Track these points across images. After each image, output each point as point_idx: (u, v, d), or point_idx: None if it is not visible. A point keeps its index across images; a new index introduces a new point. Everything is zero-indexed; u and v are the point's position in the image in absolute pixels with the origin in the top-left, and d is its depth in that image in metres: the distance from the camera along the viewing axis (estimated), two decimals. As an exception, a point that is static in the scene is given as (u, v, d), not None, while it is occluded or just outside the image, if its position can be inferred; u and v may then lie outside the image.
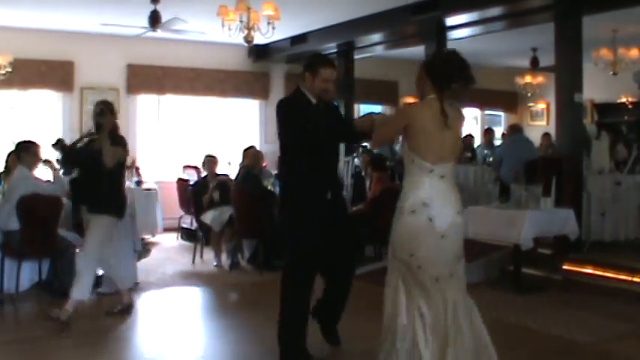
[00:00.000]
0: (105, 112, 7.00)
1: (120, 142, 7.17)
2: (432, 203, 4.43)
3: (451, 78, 4.53)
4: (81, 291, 6.80)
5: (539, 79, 15.96)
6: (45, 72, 13.03)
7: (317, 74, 5.48)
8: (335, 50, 13.58)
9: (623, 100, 15.46)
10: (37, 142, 8.25)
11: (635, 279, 8.03)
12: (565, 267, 8.74)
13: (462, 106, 5.26)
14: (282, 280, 5.55)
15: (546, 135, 14.18)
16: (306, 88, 5.56)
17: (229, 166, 12.57)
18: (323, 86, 5.50)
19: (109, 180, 6.93)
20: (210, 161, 10.98)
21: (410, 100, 16.55)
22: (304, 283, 5.45)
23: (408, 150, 4.52)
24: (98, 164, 6.78)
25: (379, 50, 13.50)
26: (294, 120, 5.46)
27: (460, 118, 4.66)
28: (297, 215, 5.50)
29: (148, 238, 11.92)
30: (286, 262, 5.63)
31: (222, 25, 9.56)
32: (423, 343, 4.36)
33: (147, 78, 14.08)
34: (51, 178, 8.25)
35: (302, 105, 5.54)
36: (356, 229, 6.06)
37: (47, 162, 8.33)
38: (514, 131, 11.99)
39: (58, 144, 7.33)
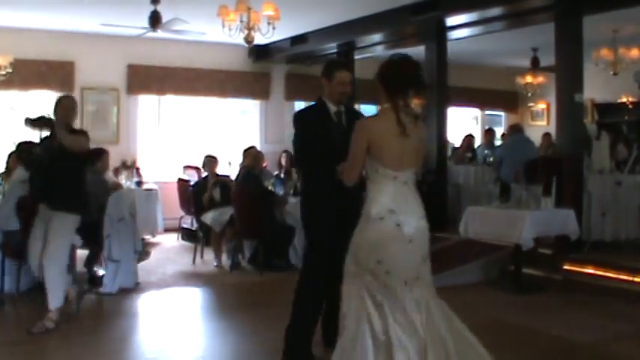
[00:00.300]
0: (55, 108, 6.87)
1: (80, 132, 7.04)
2: (398, 209, 4.46)
3: (402, 86, 4.52)
4: (58, 299, 6.64)
5: (540, 79, 15.94)
6: (45, 72, 13.04)
7: (332, 78, 5.51)
8: (335, 50, 13.58)
9: (624, 100, 15.46)
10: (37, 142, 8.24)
11: (636, 279, 8.03)
12: (565, 267, 8.74)
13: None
14: (298, 284, 5.63)
15: (547, 135, 14.18)
16: (326, 96, 5.60)
17: (230, 167, 12.57)
18: (340, 89, 5.51)
19: (73, 176, 6.83)
20: (211, 161, 10.98)
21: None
22: (319, 286, 5.52)
23: (371, 159, 4.52)
24: (61, 161, 6.64)
25: (379, 50, 13.49)
26: (308, 129, 5.52)
27: (418, 124, 4.60)
28: (314, 221, 5.60)
29: (149, 238, 11.92)
30: (304, 268, 5.73)
31: (223, 26, 9.55)
32: (399, 349, 4.31)
33: (147, 78, 14.08)
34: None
35: (318, 113, 5.60)
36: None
37: None
38: (514, 131, 11.99)
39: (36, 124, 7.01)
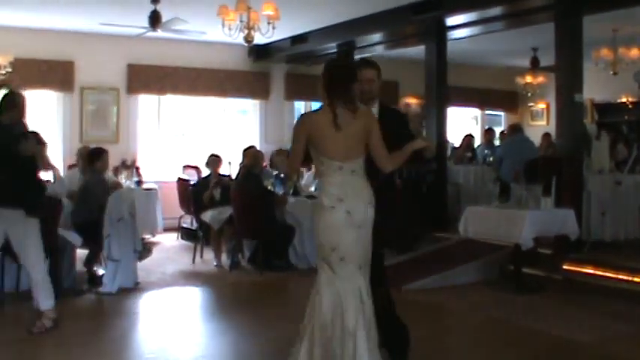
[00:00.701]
0: (6, 105, 6.72)
1: (31, 134, 6.73)
2: (346, 198, 4.67)
3: (337, 85, 4.76)
4: (49, 299, 6.63)
5: (540, 78, 15.94)
6: (45, 72, 13.03)
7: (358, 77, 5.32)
8: (335, 50, 13.58)
9: (624, 99, 15.47)
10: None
11: (636, 279, 8.03)
12: (565, 267, 8.74)
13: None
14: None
15: (547, 135, 14.18)
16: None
17: (230, 166, 12.56)
18: (361, 88, 5.27)
19: (28, 177, 6.70)
20: (215, 161, 10.97)
21: (411, 100, 16.59)
22: None
23: (316, 153, 4.77)
24: (20, 164, 6.46)
25: (379, 50, 13.49)
26: None
27: (358, 115, 4.76)
28: None
29: (149, 237, 11.91)
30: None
31: (223, 25, 9.55)
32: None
33: (147, 78, 14.08)
34: (51, 179, 8.26)
35: None
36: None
37: (50, 165, 8.35)
38: (514, 131, 11.99)
39: None
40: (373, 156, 4.83)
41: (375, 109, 5.38)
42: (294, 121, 5.27)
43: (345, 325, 4.56)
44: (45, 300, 6.59)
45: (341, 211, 4.66)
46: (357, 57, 13.64)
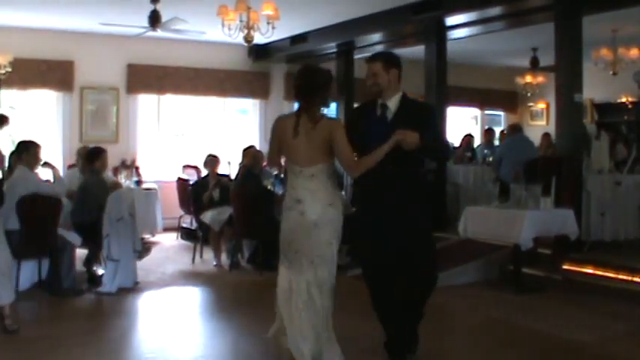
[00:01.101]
0: None
1: None
2: (304, 200, 5.09)
3: (298, 93, 5.23)
4: (7, 294, 6.62)
5: (540, 78, 15.95)
6: (45, 72, 13.04)
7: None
8: (335, 50, 13.59)
9: (623, 99, 15.48)
10: (38, 142, 8.25)
11: (636, 279, 8.04)
12: (565, 267, 8.74)
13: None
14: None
15: (547, 135, 14.17)
16: None
17: (229, 166, 12.57)
18: (368, 82, 5.39)
19: None
20: (213, 161, 10.96)
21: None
22: (378, 300, 5.61)
23: (285, 156, 5.27)
24: None
25: (379, 50, 13.48)
26: (353, 128, 5.37)
27: (318, 126, 5.06)
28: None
29: (148, 237, 11.92)
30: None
31: (222, 25, 9.55)
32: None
33: (147, 78, 14.08)
34: (51, 178, 8.26)
35: (364, 110, 5.63)
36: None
37: (46, 164, 8.36)
38: (514, 131, 11.98)
39: None
40: (339, 162, 5.14)
41: (393, 102, 5.34)
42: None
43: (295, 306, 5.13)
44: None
45: (296, 211, 5.10)
46: (356, 57, 13.67)
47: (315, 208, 5.06)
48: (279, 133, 5.21)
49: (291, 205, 5.15)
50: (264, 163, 11.48)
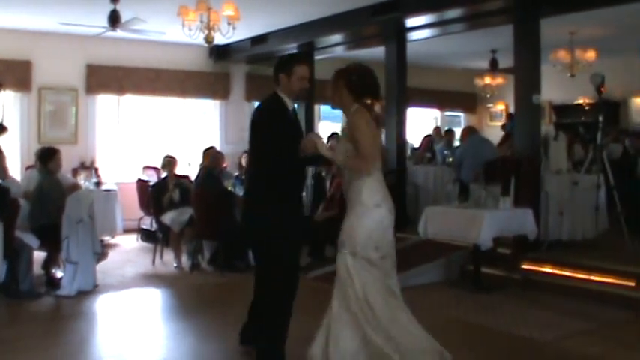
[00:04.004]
0: None
1: None
2: (387, 198, 5.04)
3: (367, 91, 5.14)
4: None
5: (499, 80, 16.13)
6: (2, 71, 12.83)
7: (292, 73, 5.34)
8: (295, 51, 13.59)
9: (581, 101, 15.68)
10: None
11: (592, 277, 8.15)
12: (524, 266, 8.84)
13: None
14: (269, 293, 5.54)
15: (507, 135, 14.30)
16: (283, 91, 5.38)
17: (189, 167, 12.52)
18: (299, 85, 5.37)
19: None
20: (170, 162, 10.89)
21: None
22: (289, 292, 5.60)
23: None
24: None
25: (340, 51, 13.52)
26: (276, 126, 5.30)
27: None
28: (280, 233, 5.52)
29: (108, 239, 11.84)
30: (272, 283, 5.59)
31: (183, 26, 9.52)
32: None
33: (106, 78, 13.95)
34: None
35: (280, 110, 5.39)
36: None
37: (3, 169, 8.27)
38: (471, 133, 12.06)
39: None
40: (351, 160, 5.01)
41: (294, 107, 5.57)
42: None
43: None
44: None
45: (385, 209, 4.99)
46: (317, 58, 13.69)
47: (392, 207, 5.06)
48: (372, 129, 5.04)
49: (379, 203, 4.97)
50: (225, 164, 11.49)
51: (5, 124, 9.49)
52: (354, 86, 4.99)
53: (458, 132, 14.68)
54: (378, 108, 5.04)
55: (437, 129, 15.97)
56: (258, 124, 5.38)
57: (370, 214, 4.88)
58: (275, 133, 5.25)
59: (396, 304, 4.98)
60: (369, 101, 5.04)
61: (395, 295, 5.03)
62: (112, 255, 10.34)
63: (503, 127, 14.99)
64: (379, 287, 4.91)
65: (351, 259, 4.89)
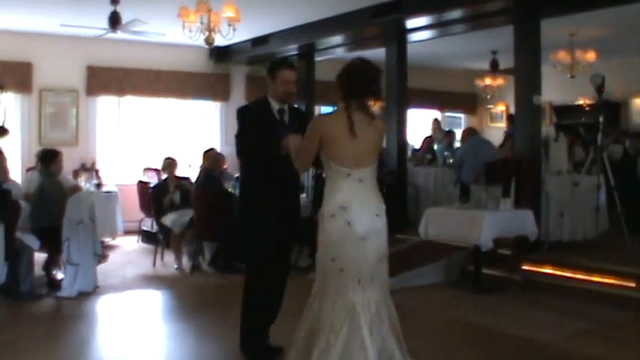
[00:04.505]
0: None
1: None
2: (350, 207, 4.51)
3: (358, 88, 4.61)
4: None
5: (499, 81, 16.13)
6: (2, 73, 12.82)
7: (276, 77, 5.55)
8: (296, 52, 13.60)
9: (581, 102, 15.67)
10: None
11: (593, 278, 8.15)
12: (524, 267, 8.84)
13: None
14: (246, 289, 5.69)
15: (509, 136, 14.30)
16: (270, 94, 5.63)
17: (190, 169, 12.52)
18: (283, 88, 5.54)
19: None
20: (170, 164, 10.90)
21: (372, 101, 16.60)
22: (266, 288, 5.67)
23: (325, 157, 4.61)
24: None
25: (340, 52, 13.53)
26: (251, 124, 5.58)
27: (373, 125, 4.67)
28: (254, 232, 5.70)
29: (109, 241, 11.84)
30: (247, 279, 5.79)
31: (183, 27, 9.52)
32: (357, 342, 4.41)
33: (107, 79, 13.96)
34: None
35: (261, 110, 5.62)
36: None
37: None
38: (472, 134, 12.07)
39: None
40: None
41: (285, 108, 5.63)
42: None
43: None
44: None
45: (341, 220, 4.52)
46: (317, 59, 13.70)
47: (363, 219, 4.52)
48: (326, 133, 4.56)
49: (334, 213, 4.52)
50: (225, 166, 11.49)
51: (6, 126, 9.50)
52: (340, 83, 4.68)
53: (458, 133, 14.70)
54: (376, 109, 4.90)
55: (436, 121, 15.92)
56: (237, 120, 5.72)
57: (325, 223, 4.56)
58: (242, 131, 5.61)
59: (346, 330, 4.45)
60: (361, 100, 4.62)
61: (353, 314, 4.47)
62: (113, 256, 10.35)
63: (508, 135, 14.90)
64: (330, 302, 4.52)
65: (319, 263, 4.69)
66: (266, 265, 5.58)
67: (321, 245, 4.59)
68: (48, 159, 8.74)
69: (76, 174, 12.58)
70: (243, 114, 5.72)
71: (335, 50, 13.43)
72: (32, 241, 8.22)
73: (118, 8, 10.26)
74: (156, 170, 13.02)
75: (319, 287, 4.62)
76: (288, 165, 5.02)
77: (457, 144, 14.49)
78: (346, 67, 4.69)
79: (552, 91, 13.63)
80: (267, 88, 5.66)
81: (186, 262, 10.18)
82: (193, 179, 10.92)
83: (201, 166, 10.75)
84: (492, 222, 8.17)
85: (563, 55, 13.35)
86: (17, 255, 7.90)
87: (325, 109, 15.83)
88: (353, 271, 4.49)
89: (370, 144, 4.66)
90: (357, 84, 4.60)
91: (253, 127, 5.50)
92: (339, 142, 4.55)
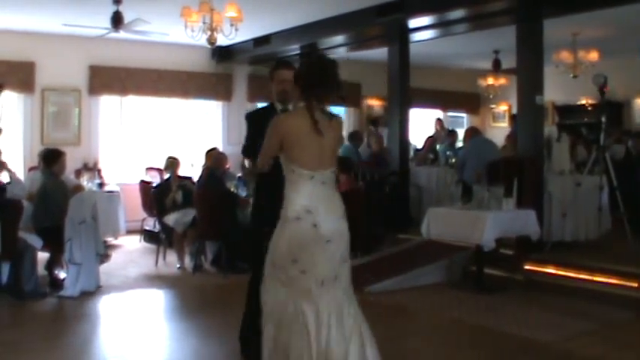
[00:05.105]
0: None
1: None
2: (315, 210, 4.44)
3: (317, 85, 4.50)
4: None
5: (501, 81, 16.12)
6: (5, 73, 12.83)
7: (273, 78, 5.61)
8: (298, 52, 13.59)
9: (583, 102, 15.67)
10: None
11: (595, 278, 8.15)
12: (527, 267, 8.84)
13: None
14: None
15: (510, 136, 14.30)
16: (273, 96, 5.67)
17: (192, 168, 12.52)
18: (279, 88, 5.55)
19: None
20: (173, 163, 10.90)
21: (374, 101, 16.67)
22: None
23: (286, 160, 4.51)
24: None
25: (343, 52, 13.52)
26: (257, 129, 5.50)
27: (332, 124, 4.58)
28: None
29: (111, 240, 11.84)
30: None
31: (185, 27, 9.53)
32: (307, 343, 4.37)
33: (109, 79, 13.96)
34: (7, 180, 8.16)
35: (266, 114, 5.43)
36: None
37: (2, 164, 8.26)
38: (474, 133, 12.08)
39: None
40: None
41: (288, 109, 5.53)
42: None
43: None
44: None
45: (307, 223, 4.43)
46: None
47: (329, 221, 4.46)
48: (287, 132, 4.47)
49: (300, 216, 4.42)
50: (227, 165, 11.49)
51: (3, 125, 9.51)
52: (301, 82, 4.55)
53: (461, 133, 14.72)
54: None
55: (439, 121, 15.97)
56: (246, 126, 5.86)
57: (289, 225, 4.45)
58: (248, 136, 5.74)
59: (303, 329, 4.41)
60: (320, 96, 4.51)
61: (317, 315, 4.43)
62: (115, 256, 10.35)
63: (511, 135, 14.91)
64: (288, 306, 4.45)
65: (269, 268, 4.58)
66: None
67: (280, 247, 4.50)
68: (51, 159, 8.74)
69: (78, 173, 12.58)
70: (249, 119, 5.84)
71: (337, 50, 13.41)
72: (35, 240, 8.22)
73: (121, 8, 10.26)
74: (158, 170, 13.02)
75: (272, 287, 4.55)
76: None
77: (459, 144, 14.50)
78: (305, 64, 4.67)
79: (555, 91, 13.65)
80: (272, 92, 5.70)
81: (188, 261, 10.17)
82: (195, 179, 10.92)
83: (203, 166, 10.75)
84: (495, 222, 8.17)
85: (565, 55, 13.35)
86: (20, 254, 7.91)
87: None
88: (316, 273, 4.43)
89: (333, 143, 4.60)
90: (317, 81, 4.50)
91: (259, 132, 5.47)
92: (302, 142, 4.46)
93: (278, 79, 5.57)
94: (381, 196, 11.28)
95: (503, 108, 18.53)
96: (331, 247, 4.47)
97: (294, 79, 4.64)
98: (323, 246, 4.44)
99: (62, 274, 8.62)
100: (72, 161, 11.45)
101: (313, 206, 4.44)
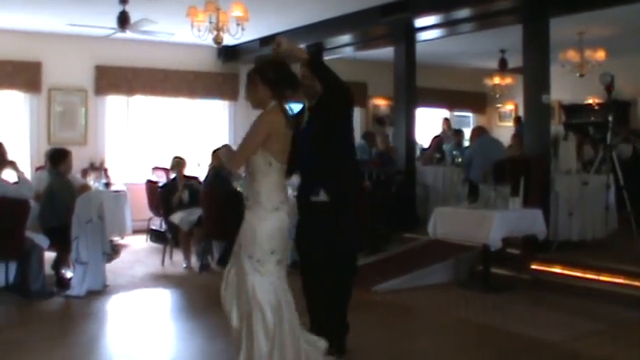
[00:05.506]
0: None
1: None
2: (285, 200, 4.82)
3: (286, 84, 4.82)
4: None
5: (508, 80, 16.10)
6: (12, 73, 12.88)
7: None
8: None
9: (590, 101, 15.64)
10: (3, 143, 8.18)
11: (602, 278, 8.13)
12: (533, 267, 8.82)
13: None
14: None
15: (516, 135, 14.28)
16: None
17: (199, 168, 12.52)
18: (304, 84, 5.53)
19: None
20: (179, 163, 10.92)
21: (380, 101, 16.65)
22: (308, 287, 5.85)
23: (266, 154, 4.70)
24: None
25: (348, 51, 13.52)
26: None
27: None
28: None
29: (117, 240, 11.84)
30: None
31: (192, 26, 9.54)
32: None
33: (115, 79, 13.98)
34: (16, 180, 8.17)
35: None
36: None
37: (11, 163, 8.26)
38: (481, 133, 12.07)
39: None
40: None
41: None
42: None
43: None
44: None
45: (283, 213, 4.81)
46: (325, 58, 13.66)
47: (288, 210, 4.85)
48: (274, 129, 4.73)
49: (278, 207, 4.74)
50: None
51: (10, 125, 9.53)
52: (270, 80, 4.75)
53: (467, 132, 14.70)
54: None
55: (446, 121, 15.99)
56: None
57: (269, 216, 4.72)
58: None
59: (287, 315, 4.75)
60: (288, 94, 4.82)
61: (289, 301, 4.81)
62: (122, 255, 10.33)
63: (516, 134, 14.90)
64: (272, 294, 4.72)
65: (247, 262, 4.81)
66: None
67: (259, 240, 4.74)
68: (57, 159, 8.75)
69: (84, 173, 12.60)
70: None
71: (343, 49, 13.42)
72: (42, 240, 8.23)
73: (127, 8, 10.28)
74: (164, 169, 13.03)
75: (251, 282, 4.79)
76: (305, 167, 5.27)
77: (466, 143, 14.49)
78: (270, 63, 4.88)
79: (561, 90, 13.61)
80: None
81: (195, 261, 10.19)
82: (202, 178, 10.92)
83: (209, 165, 10.75)
84: (501, 221, 8.15)
85: (572, 54, 13.33)
86: (27, 254, 7.92)
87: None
88: (285, 260, 4.87)
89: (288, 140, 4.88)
90: (284, 79, 4.79)
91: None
92: (281, 138, 4.74)
93: (303, 74, 5.52)
94: (387, 195, 11.27)
95: (509, 107, 18.52)
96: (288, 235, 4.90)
97: (265, 79, 4.78)
98: (285, 234, 4.84)
99: (69, 274, 8.63)
100: (78, 161, 11.47)
101: (284, 196, 4.82)
